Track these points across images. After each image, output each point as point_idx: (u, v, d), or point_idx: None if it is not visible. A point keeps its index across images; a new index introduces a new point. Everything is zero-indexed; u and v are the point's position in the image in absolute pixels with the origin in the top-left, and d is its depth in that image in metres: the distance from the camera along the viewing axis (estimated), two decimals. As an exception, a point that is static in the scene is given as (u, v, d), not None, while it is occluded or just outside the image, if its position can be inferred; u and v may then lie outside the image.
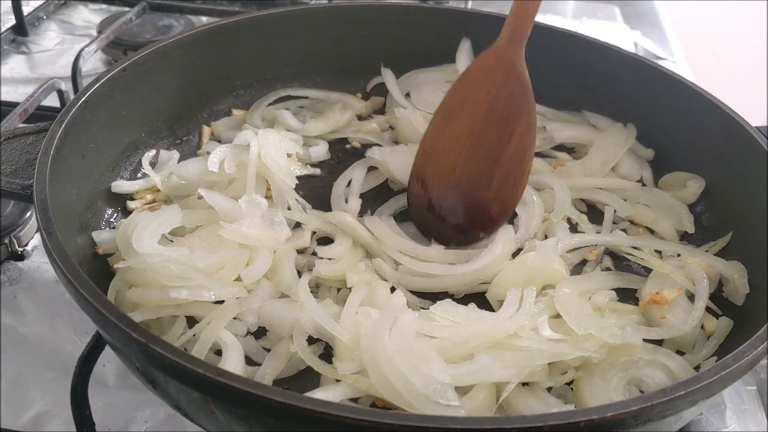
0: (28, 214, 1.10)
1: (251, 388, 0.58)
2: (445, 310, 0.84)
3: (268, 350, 0.84)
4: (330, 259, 0.94)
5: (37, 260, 1.07)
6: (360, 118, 1.26)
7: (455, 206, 1.00)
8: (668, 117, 1.14)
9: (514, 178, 0.98)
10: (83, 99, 0.92)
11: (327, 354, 0.83)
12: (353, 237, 0.97)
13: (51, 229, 0.73)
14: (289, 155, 1.09)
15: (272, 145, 1.05)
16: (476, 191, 0.98)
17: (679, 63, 1.78)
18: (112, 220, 0.99)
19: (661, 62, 1.68)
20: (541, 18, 1.81)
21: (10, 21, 1.64)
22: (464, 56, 1.25)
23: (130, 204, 1.01)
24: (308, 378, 0.81)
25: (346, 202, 1.06)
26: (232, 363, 0.78)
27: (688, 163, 1.12)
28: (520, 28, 0.93)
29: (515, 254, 0.97)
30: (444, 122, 0.98)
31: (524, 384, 0.79)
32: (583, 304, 0.87)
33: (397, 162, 1.08)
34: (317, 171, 1.14)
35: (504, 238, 0.96)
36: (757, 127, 1.01)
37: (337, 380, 0.76)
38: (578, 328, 0.81)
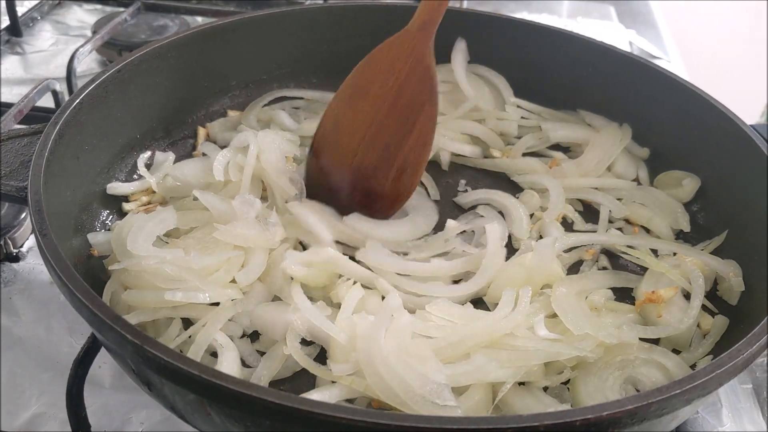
0: (24, 215, 1.10)
1: (247, 390, 0.58)
2: (440, 309, 0.84)
3: (263, 353, 0.83)
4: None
5: (33, 262, 1.07)
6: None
7: (350, 191, 1.00)
8: (663, 116, 1.14)
9: (413, 169, 0.99)
10: (78, 100, 0.91)
11: (322, 356, 0.83)
12: (344, 273, 0.91)
13: (46, 231, 0.73)
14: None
15: (272, 149, 1.04)
16: (374, 179, 0.99)
17: (674, 62, 1.78)
18: (107, 221, 0.99)
19: (656, 61, 1.68)
20: (536, 17, 1.85)
21: (4, 22, 1.63)
22: (459, 56, 1.24)
23: (126, 206, 1.01)
24: (304, 379, 0.81)
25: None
26: (228, 365, 0.78)
27: (684, 161, 1.12)
28: (432, 18, 0.93)
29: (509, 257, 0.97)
30: (349, 100, 0.98)
31: (520, 384, 0.79)
32: (580, 303, 0.87)
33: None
34: None
35: (495, 246, 0.96)
36: (752, 125, 1.02)
37: (333, 381, 0.76)
38: (575, 328, 0.81)
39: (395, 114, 0.96)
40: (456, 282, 0.94)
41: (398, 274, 0.92)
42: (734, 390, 0.96)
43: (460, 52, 1.25)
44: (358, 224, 0.98)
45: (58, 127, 0.86)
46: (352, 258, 0.94)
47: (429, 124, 0.97)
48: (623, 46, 1.77)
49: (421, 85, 0.95)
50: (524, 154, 1.18)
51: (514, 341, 0.79)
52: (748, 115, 1.07)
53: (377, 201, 1.00)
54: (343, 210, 0.99)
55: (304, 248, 0.96)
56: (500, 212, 1.07)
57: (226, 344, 0.80)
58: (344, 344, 0.78)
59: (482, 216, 1.05)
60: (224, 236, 0.89)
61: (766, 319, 0.72)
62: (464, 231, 1.02)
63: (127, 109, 1.03)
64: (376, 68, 0.96)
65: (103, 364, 0.91)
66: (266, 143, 1.04)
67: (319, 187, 1.02)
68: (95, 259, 0.91)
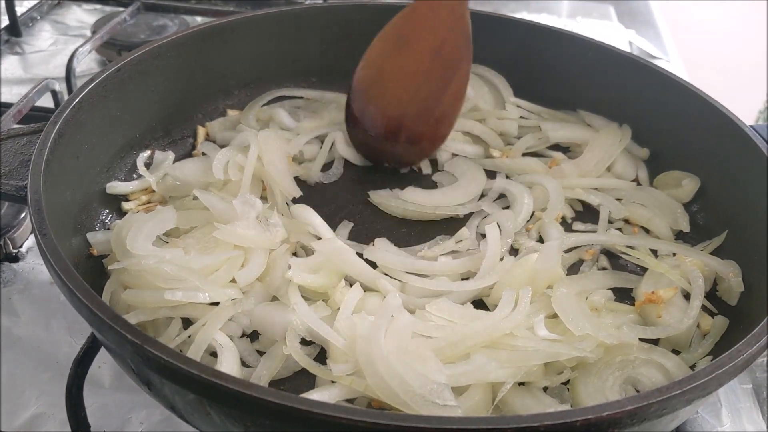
0: (23, 215, 1.10)
1: (247, 389, 0.58)
2: (440, 309, 0.84)
3: (263, 353, 0.83)
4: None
5: (32, 262, 1.07)
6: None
7: (396, 134, 1.10)
8: (663, 116, 1.14)
9: (449, 119, 1.11)
10: (77, 100, 0.91)
11: (322, 356, 0.83)
12: (345, 269, 0.91)
13: (45, 231, 0.73)
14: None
15: (273, 149, 1.05)
16: (417, 126, 1.09)
17: (673, 62, 1.78)
18: (106, 221, 0.99)
19: (655, 61, 1.69)
20: (536, 17, 1.85)
21: (4, 21, 1.63)
22: None
23: (125, 205, 1.01)
24: (304, 379, 0.81)
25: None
26: (228, 365, 0.78)
27: (683, 161, 1.12)
28: None
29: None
30: (395, 49, 1.05)
31: (520, 384, 0.79)
32: (580, 304, 0.87)
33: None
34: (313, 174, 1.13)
35: (493, 245, 0.96)
36: (751, 126, 1.02)
37: (333, 381, 0.76)
38: (575, 328, 0.81)
39: (437, 66, 1.04)
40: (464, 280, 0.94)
41: (405, 272, 0.92)
42: (734, 390, 0.96)
43: None
44: (414, 196, 1.06)
45: (57, 126, 0.86)
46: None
47: (464, 79, 1.07)
48: (623, 46, 1.77)
49: (460, 42, 1.03)
50: (524, 154, 1.18)
51: (514, 341, 0.79)
52: (748, 115, 1.07)
53: (419, 142, 1.12)
54: (384, 150, 1.12)
55: (306, 252, 0.96)
56: (507, 207, 1.07)
57: (226, 344, 0.80)
58: (343, 348, 0.78)
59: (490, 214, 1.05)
60: (224, 236, 0.88)
61: (766, 319, 0.72)
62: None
63: (127, 109, 1.03)
64: (419, 22, 1.02)
65: (103, 364, 0.91)
66: (267, 143, 1.04)
67: (362, 129, 1.11)
68: (95, 258, 0.91)
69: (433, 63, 1.04)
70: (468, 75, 1.07)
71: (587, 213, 1.09)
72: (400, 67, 1.05)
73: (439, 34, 1.02)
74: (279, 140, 1.07)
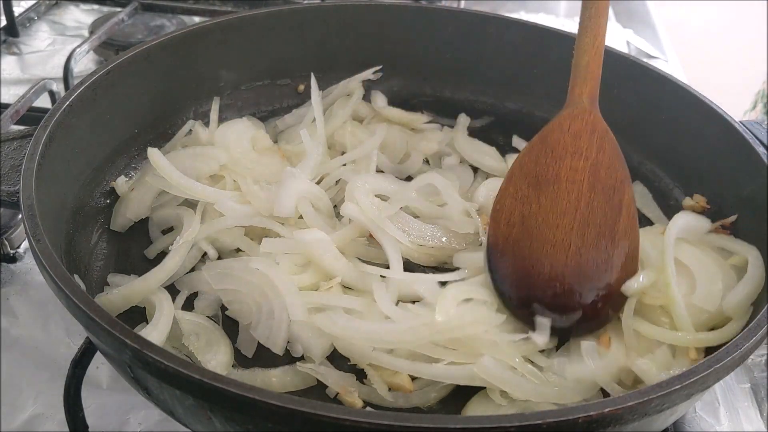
0: (20, 216, 1.09)
1: (249, 393, 0.58)
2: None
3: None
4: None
5: (30, 262, 1.06)
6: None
7: (576, 289, 0.85)
8: (660, 116, 1.14)
9: (632, 255, 0.86)
10: (67, 103, 0.91)
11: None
12: (326, 264, 0.90)
13: (39, 236, 0.72)
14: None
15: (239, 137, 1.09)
16: (598, 273, 0.84)
17: (671, 61, 1.78)
18: (102, 221, 0.99)
19: (653, 61, 1.69)
20: (533, 17, 1.85)
21: (1, 22, 1.63)
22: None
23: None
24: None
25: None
26: (158, 334, 0.81)
27: (680, 161, 1.12)
28: (595, 87, 0.87)
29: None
30: (534, 190, 0.87)
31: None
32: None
33: None
34: None
35: None
36: (741, 121, 1.02)
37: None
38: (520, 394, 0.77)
39: (598, 196, 0.85)
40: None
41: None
42: (732, 389, 0.96)
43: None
44: None
45: (48, 130, 0.85)
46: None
47: (633, 205, 0.87)
48: (620, 45, 1.77)
49: (615, 162, 0.86)
50: None
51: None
52: (746, 114, 1.07)
53: (606, 295, 0.85)
54: (562, 321, 0.85)
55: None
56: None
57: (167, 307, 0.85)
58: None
59: None
60: None
61: (762, 313, 0.72)
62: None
63: (118, 111, 1.02)
64: (556, 150, 0.87)
65: (101, 364, 0.90)
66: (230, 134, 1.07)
67: (521, 292, 0.87)
68: (92, 260, 0.90)
69: (593, 193, 0.85)
70: (634, 200, 0.87)
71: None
72: (553, 209, 0.85)
73: (588, 156, 0.85)
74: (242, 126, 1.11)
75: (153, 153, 0.98)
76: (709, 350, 0.84)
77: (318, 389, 0.81)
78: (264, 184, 1.01)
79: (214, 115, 1.15)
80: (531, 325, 0.84)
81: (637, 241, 0.87)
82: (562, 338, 0.85)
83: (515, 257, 0.87)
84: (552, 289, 0.85)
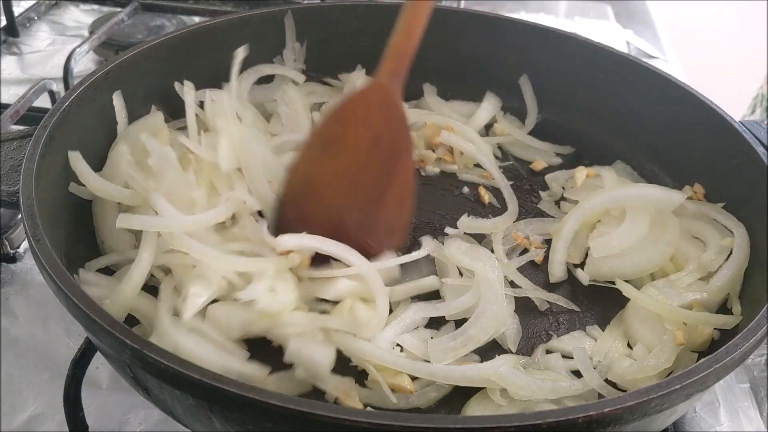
0: (20, 216, 1.09)
1: (249, 393, 0.58)
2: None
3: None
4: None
5: (30, 262, 1.06)
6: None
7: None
8: (660, 116, 1.14)
9: (394, 223, 0.96)
10: (67, 103, 0.91)
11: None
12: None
13: (39, 237, 0.72)
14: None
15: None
16: (359, 233, 0.93)
17: (671, 61, 1.78)
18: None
19: (653, 61, 1.69)
20: (533, 17, 1.85)
21: (1, 22, 1.63)
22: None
23: None
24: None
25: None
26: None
27: (680, 161, 1.12)
28: (400, 66, 0.91)
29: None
30: (322, 152, 0.94)
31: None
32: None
33: None
34: None
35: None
36: (741, 121, 1.02)
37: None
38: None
39: (375, 163, 0.93)
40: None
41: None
42: (732, 389, 0.96)
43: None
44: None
45: (48, 130, 0.85)
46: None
47: (408, 174, 0.94)
48: (620, 45, 1.78)
49: (397, 134, 0.92)
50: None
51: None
52: (747, 113, 1.07)
53: (361, 251, 0.92)
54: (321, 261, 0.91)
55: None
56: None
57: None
58: None
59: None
60: None
61: (762, 312, 0.72)
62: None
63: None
64: (348, 120, 0.93)
65: (101, 364, 0.91)
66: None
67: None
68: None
69: (370, 160, 0.92)
70: (411, 170, 0.95)
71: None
72: (332, 169, 0.93)
73: (374, 128, 0.92)
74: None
75: (73, 157, 0.91)
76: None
77: (316, 391, 0.81)
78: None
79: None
80: None
81: (408, 211, 0.97)
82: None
83: (293, 209, 0.95)
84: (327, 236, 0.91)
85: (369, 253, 0.91)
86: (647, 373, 0.81)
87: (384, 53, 0.91)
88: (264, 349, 0.84)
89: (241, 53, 1.06)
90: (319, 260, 0.89)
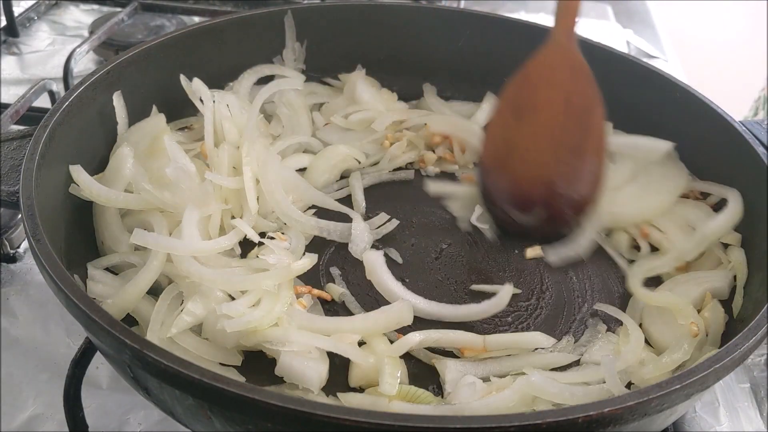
0: (20, 216, 1.09)
1: (249, 393, 0.58)
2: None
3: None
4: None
5: (30, 262, 1.07)
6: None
7: (546, 203, 1.01)
8: (659, 116, 1.14)
9: (598, 171, 1.00)
10: (67, 103, 0.91)
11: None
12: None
13: (39, 236, 0.72)
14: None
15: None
16: (567, 186, 0.99)
17: (671, 61, 1.78)
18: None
19: (653, 60, 1.69)
20: (533, 17, 1.85)
21: (1, 22, 1.63)
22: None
23: None
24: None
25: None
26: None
27: (679, 161, 1.12)
28: (572, 22, 0.94)
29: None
30: (517, 119, 0.99)
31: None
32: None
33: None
34: None
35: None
36: (741, 121, 1.02)
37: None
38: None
39: (571, 121, 0.97)
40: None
41: None
42: (731, 389, 0.96)
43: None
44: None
45: (48, 130, 0.85)
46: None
47: (601, 125, 0.98)
48: (620, 45, 1.77)
49: (586, 88, 0.96)
50: None
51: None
52: (748, 113, 1.07)
53: (576, 207, 1.01)
54: (535, 225, 1.02)
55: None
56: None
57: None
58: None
59: None
60: None
61: (762, 312, 0.72)
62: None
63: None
64: (536, 84, 0.97)
65: (101, 364, 0.91)
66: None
67: (506, 210, 1.03)
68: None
69: (567, 119, 0.97)
70: (603, 118, 0.98)
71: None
72: (532, 131, 0.98)
73: (563, 87, 0.96)
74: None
75: (75, 169, 0.91)
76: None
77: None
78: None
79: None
80: (515, 234, 1.03)
81: (605, 157, 1.00)
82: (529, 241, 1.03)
83: (499, 178, 1.03)
84: (529, 201, 1.01)
85: (577, 201, 1.00)
86: (666, 369, 0.81)
87: (555, 13, 0.95)
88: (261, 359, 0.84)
89: None
90: None
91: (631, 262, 1.01)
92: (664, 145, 1.08)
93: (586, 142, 0.98)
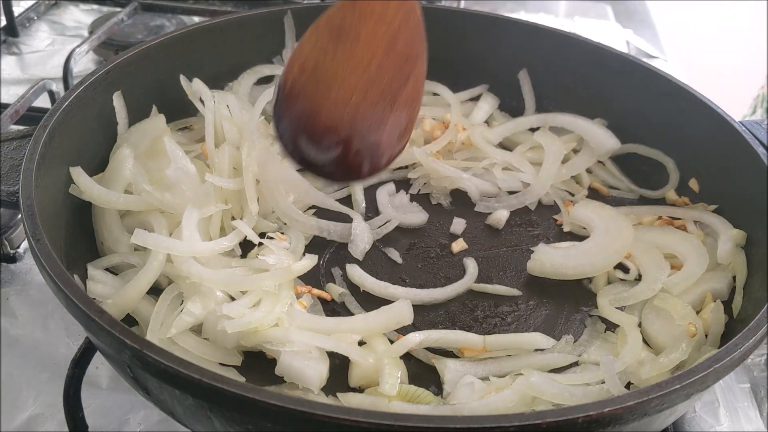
0: (20, 216, 1.09)
1: (249, 393, 0.58)
2: None
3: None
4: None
5: (29, 262, 1.06)
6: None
7: (344, 141, 0.91)
8: (659, 116, 1.14)
9: (404, 126, 0.93)
10: (67, 103, 0.91)
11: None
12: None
13: (39, 236, 0.72)
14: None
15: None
16: (370, 131, 0.91)
17: (670, 61, 1.78)
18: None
19: (652, 61, 1.69)
20: (533, 17, 1.85)
21: (1, 22, 1.63)
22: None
23: None
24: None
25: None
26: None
27: (679, 161, 1.12)
28: None
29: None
30: (335, 43, 0.88)
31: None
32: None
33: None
34: None
35: None
36: (741, 121, 1.02)
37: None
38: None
39: (390, 62, 0.89)
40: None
41: None
42: (731, 389, 0.96)
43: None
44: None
45: (48, 130, 0.86)
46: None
47: (420, 80, 0.92)
48: (620, 45, 1.77)
49: (414, 37, 0.89)
50: None
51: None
52: (747, 112, 1.07)
53: (372, 153, 0.93)
54: (324, 160, 0.92)
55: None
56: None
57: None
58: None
59: None
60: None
61: (762, 312, 0.72)
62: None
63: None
64: (365, 14, 0.87)
65: (101, 364, 0.91)
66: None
67: (297, 136, 0.92)
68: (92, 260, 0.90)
69: (386, 57, 0.88)
70: (424, 75, 0.92)
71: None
72: (346, 61, 0.88)
73: (392, 25, 0.87)
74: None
75: (75, 171, 0.91)
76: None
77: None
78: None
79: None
80: (300, 165, 0.93)
81: (415, 115, 0.93)
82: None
83: (299, 101, 0.90)
84: (324, 136, 0.91)
85: (375, 148, 0.91)
86: (664, 369, 0.81)
87: None
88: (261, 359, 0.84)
89: None
90: None
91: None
92: (612, 143, 1.15)
93: (400, 91, 0.90)
